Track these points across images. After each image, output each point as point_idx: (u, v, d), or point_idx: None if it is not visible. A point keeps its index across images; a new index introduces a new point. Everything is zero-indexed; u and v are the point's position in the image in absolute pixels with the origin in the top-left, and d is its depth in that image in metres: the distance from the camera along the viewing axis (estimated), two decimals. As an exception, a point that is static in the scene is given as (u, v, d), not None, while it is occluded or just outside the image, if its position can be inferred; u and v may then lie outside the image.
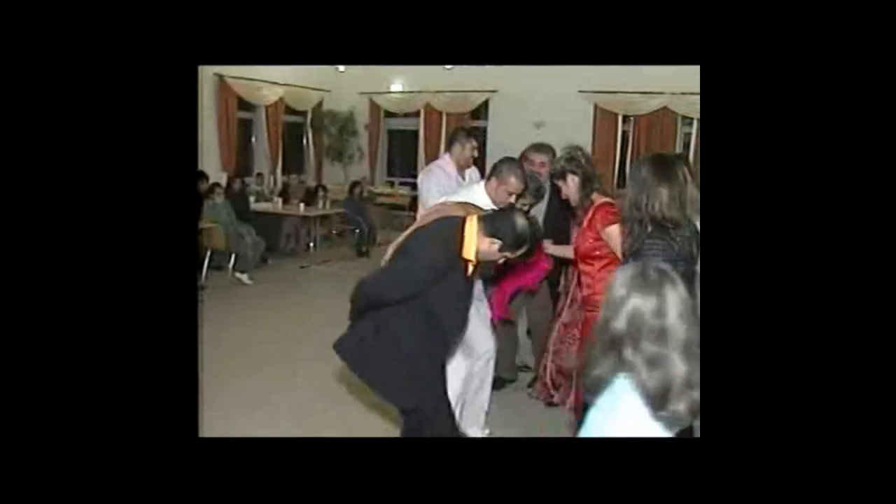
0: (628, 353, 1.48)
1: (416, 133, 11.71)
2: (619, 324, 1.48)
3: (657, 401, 1.49)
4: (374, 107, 11.84)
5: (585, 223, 3.12)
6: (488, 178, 3.41)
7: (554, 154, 4.04)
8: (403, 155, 12.32)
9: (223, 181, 8.68)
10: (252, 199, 9.20)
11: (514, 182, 3.30)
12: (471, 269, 2.56)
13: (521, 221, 2.53)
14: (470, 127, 5.65)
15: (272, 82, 10.28)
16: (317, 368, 4.56)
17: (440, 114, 11.41)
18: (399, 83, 11.60)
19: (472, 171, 4.28)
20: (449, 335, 2.63)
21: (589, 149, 9.31)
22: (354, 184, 10.08)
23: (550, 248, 3.58)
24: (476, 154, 4.26)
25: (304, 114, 11.56)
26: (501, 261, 2.61)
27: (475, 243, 2.49)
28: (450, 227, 2.55)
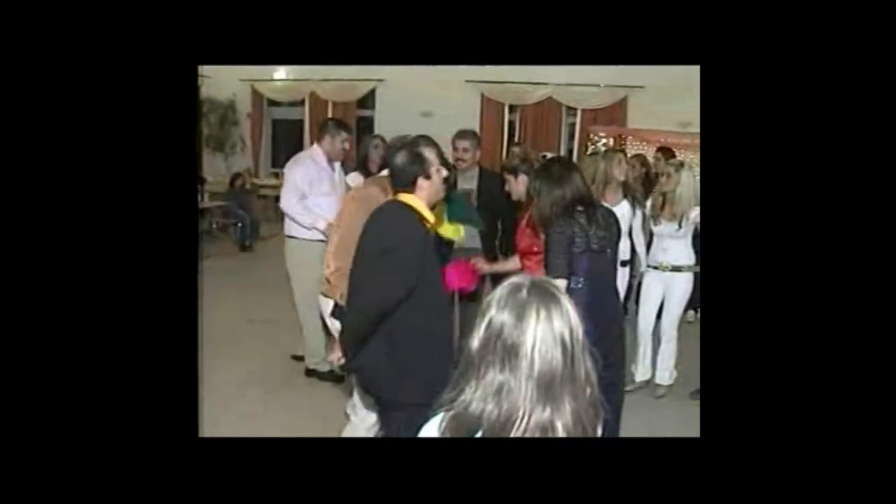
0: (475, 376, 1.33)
1: (301, 122, 11.35)
2: (474, 341, 1.31)
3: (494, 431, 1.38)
4: (257, 94, 11.39)
5: (525, 221, 3.29)
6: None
7: (478, 141, 4.15)
8: (288, 145, 11.76)
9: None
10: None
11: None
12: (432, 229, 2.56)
13: (405, 141, 2.57)
14: (341, 119, 5.53)
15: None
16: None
17: (326, 102, 11.12)
18: (283, 70, 11.21)
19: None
20: (446, 324, 2.58)
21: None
22: (236, 175, 9.68)
23: (486, 268, 3.63)
24: (348, 146, 4.27)
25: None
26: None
27: (425, 203, 2.49)
28: (396, 207, 2.51)
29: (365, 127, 10.72)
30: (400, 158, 2.50)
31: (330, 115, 10.87)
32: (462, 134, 4.14)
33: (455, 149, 4.05)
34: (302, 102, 11.29)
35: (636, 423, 3.68)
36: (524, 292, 1.27)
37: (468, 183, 3.97)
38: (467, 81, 10.22)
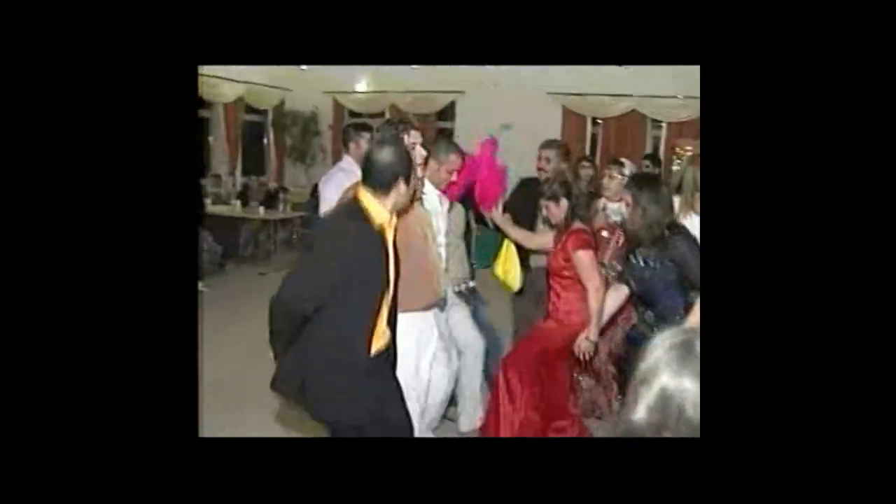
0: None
1: (381, 134, 11.44)
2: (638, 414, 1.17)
3: None
4: (338, 106, 11.51)
5: (560, 244, 3.32)
6: (425, 163, 3.28)
7: (565, 151, 4.17)
8: (368, 156, 11.98)
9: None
10: (208, 201, 8.74)
11: (454, 160, 3.28)
12: (390, 232, 2.34)
13: (391, 142, 2.40)
14: (362, 121, 5.43)
15: (231, 79, 9.88)
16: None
17: (406, 115, 11.14)
18: (364, 83, 11.30)
19: None
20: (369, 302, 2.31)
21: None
22: (317, 186, 9.76)
23: (499, 217, 3.71)
24: None
25: (264, 113, 11.17)
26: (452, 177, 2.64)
27: (380, 204, 2.28)
28: (345, 204, 2.39)
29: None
30: (386, 155, 2.27)
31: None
32: (546, 143, 4.16)
33: (538, 158, 4.09)
34: (382, 114, 11.35)
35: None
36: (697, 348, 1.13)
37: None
38: (548, 94, 10.03)
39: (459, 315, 3.49)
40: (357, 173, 4.10)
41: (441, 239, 3.30)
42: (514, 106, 10.16)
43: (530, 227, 3.89)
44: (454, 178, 3.42)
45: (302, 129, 11.30)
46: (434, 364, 2.99)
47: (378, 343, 2.34)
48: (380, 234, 2.26)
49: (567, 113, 10.26)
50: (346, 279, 2.17)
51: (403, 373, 2.64)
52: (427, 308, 2.90)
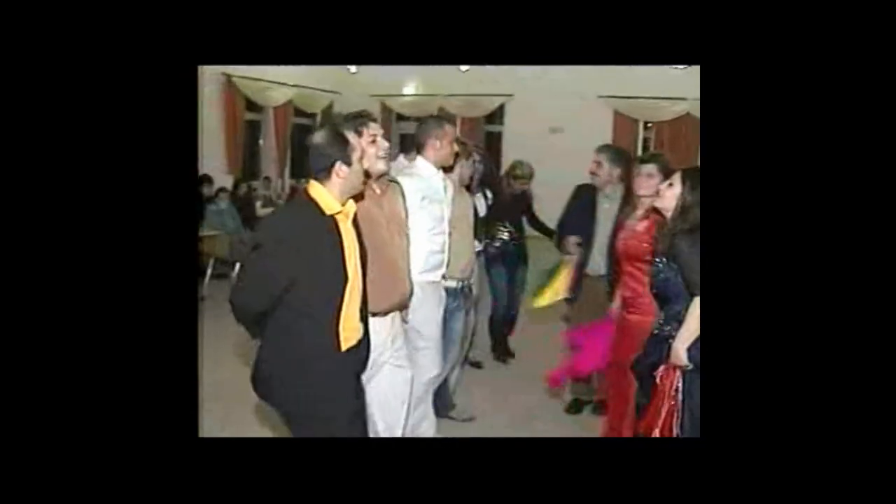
0: None
1: (428, 137, 11.39)
2: None
3: None
4: (386, 110, 11.53)
5: (643, 227, 3.10)
6: (423, 147, 3.17)
7: (621, 155, 4.00)
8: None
9: (229, 185, 8.35)
10: (259, 203, 8.80)
11: (449, 129, 3.19)
12: (345, 222, 2.21)
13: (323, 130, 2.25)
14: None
15: (281, 83, 9.97)
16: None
17: (454, 118, 11.07)
18: (412, 86, 11.28)
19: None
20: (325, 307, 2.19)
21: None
22: None
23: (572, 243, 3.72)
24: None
25: (313, 116, 11.24)
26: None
27: (338, 194, 2.17)
28: (293, 202, 2.34)
29: (493, 143, 10.58)
30: (318, 138, 2.17)
31: (458, 131, 10.81)
32: (600, 148, 4.06)
33: (593, 162, 3.98)
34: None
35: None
36: None
37: (609, 201, 3.79)
38: (599, 97, 9.85)
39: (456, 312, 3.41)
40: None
41: (444, 227, 3.17)
42: (564, 109, 10.02)
43: (588, 234, 3.77)
44: (457, 147, 3.32)
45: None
46: (381, 376, 2.74)
47: (349, 338, 2.22)
48: (333, 225, 2.16)
49: (618, 116, 10.06)
50: (302, 274, 2.08)
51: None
52: (387, 312, 2.66)
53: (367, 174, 2.43)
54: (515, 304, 4.89)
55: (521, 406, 4.17)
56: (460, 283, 3.51)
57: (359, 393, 2.34)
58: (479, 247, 4.46)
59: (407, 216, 2.85)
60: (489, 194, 4.54)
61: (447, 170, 3.44)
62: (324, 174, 2.14)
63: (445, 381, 3.73)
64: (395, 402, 2.83)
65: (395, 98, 11.45)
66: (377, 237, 2.52)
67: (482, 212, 4.41)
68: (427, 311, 3.13)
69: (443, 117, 3.40)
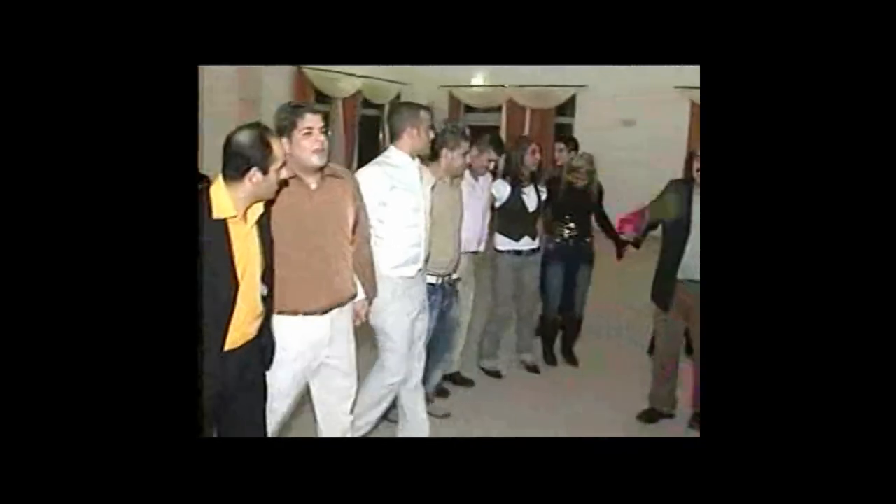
0: None
1: (496, 129, 11.20)
2: None
3: None
4: (454, 101, 11.38)
5: None
6: (398, 135, 3.03)
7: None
8: (482, 151, 11.78)
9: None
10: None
11: (425, 116, 3.06)
12: (241, 226, 2.10)
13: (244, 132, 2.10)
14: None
15: (350, 74, 9.96)
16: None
17: (524, 109, 10.86)
18: (481, 76, 11.11)
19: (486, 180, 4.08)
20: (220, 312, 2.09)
21: (685, 150, 8.67)
22: None
23: None
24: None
25: (380, 107, 11.21)
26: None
27: (227, 195, 2.06)
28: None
29: (564, 135, 10.33)
30: (242, 137, 2.06)
31: (527, 123, 10.60)
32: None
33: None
34: (499, 109, 11.12)
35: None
36: None
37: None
38: (675, 87, 9.45)
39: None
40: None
41: (420, 219, 3.01)
42: (638, 101, 9.67)
43: (681, 235, 3.49)
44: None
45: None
46: (319, 378, 2.63)
47: (234, 339, 2.13)
48: (222, 229, 2.05)
49: (696, 108, 9.63)
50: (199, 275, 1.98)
51: (277, 378, 2.40)
52: (324, 312, 2.51)
53: (302, 168, 2.36)
54: (578, 307, 4.63)
55: (569, 412, 3.99)
56: (440, 279, 3.35)
57: (245, 388, 2.23)
58: (533, 244, 4.34)
59: (359, 210, 2.67)
60: (541, 188, 4.37)
61: (433, 159, 3.34)
62: (235, 176, 2.04)
63: (429, 374, 3.56)
64: (336, 407, 2.68)
65: (464, 89, 11.31)
66: (304, 234, 2.40)
67: (532, 207, 4.29)
68: (395, 311, 2.98)
69: (418, 104, 3.16)
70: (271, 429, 2.44)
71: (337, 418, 2.69)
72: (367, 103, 10.73)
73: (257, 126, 2.12)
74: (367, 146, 10.96)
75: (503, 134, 10.54)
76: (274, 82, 8.35)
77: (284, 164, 2.12)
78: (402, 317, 3.00)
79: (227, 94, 7.25)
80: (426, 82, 10.85)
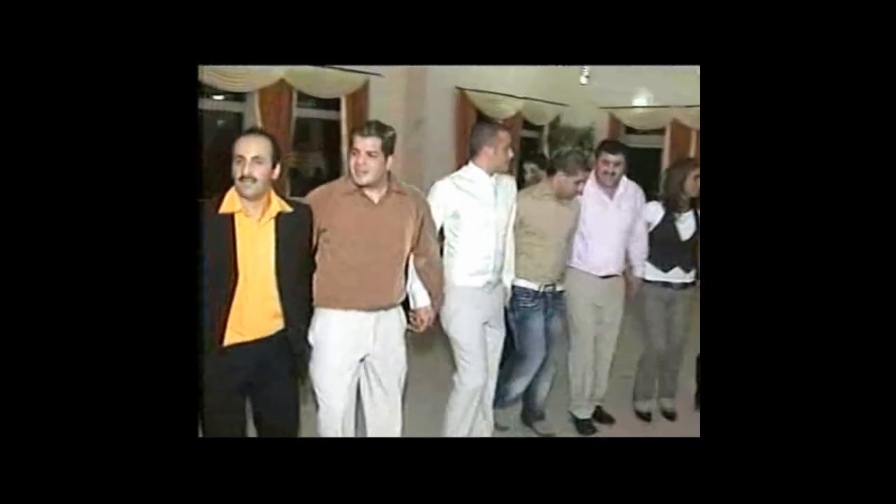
0: None
1: (658, 151, 10.82)
2: None
3: None
4: (614, 122, 11.13)
5: None
6: (477, 153, 3.17)
7: None
8: (641, 174, 11.40)
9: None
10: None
11: (503, 135, 3.18)
12: (245, 222, 2.28)
13: None
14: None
15: (511, 95, 10.05)
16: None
17: (689, 130, 10.42)
18: (643, 97, 10.81)
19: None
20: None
21: None
22: None
23: None
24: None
25: (540, 128, 11.20)
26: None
27: (236, 195, 2.29)
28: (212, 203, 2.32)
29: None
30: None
31: (693, 145, 10.16)
32: None
33: None
34: (662, 131, 10.75)
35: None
36: None
37: None
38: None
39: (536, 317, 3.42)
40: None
41: (489, 233, 3.14)
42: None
43: None
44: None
45: (575, 145, 11.14)
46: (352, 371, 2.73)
47: (231, 336, 2.28)
48: (228, 223, 2.24)
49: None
50: (203, 265, 2.16)
51: (325, 367, 2.60)
52: (367, 310, 2.68)
53: (356, 184, 2.57)
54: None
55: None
56: (541, 287, 3.46)
57: (265, 384, 2.40)
58: (686, 277, 3.91)
59: (423, 225, 2.84)
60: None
61: (549, 175, 3.53)
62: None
63: (533, 389, 3.64)
64: (381, 404, 2.82)
65: (625, 110, 11.05)
66: (359, 242, 2.62)
67: (686, 235, 3.87)
68: (463, 319, 3.12)
69: (498, 124, 3.33)
70: (331, 427, 2.65)
71: (381, 414, 2.85)
72: (526, 124, 10.77)
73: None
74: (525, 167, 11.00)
75: (666, 157, 10.18)
76: (440, 103, 8.59)
77: (275, 166, 2.31)
78: (471, 324, 3.13)
79: (394, 114, 7.55)
80: (586, 104, 10.66)
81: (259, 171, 2.26)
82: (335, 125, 7.38)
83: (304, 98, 6.95)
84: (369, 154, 2.56)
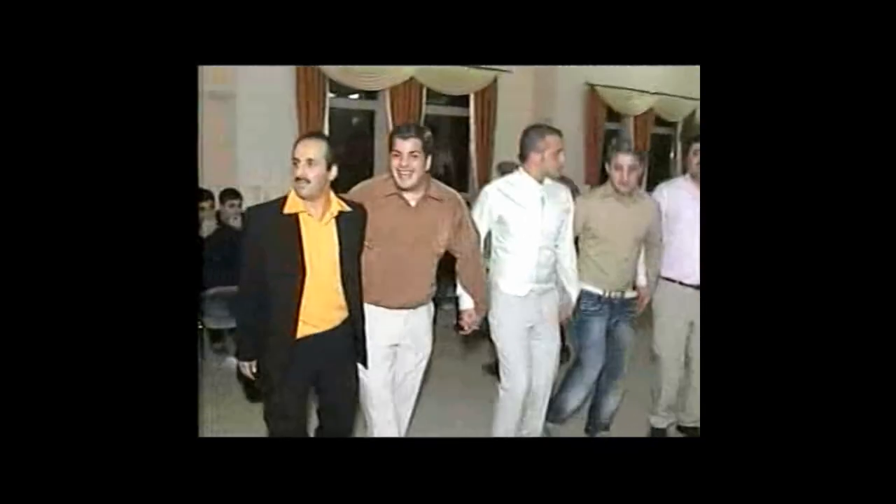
0: None
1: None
2: None
3: None
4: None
5: None
6: (526, 158, 3.07)
7: None
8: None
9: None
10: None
11: (552, 140, 3.03)
12: (310, 222, 2.43)
13: None
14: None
15: (643, 91, 9.65)
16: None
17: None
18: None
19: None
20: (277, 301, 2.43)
21: None
22: None
23: None
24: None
25: (673, 125, 10.67)
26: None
27: (296, 196, 2.43)
28: (266, 202, 2.53)
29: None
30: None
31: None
32: None
33: None
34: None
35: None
36: None
37: None
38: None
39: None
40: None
41: (533, 240, 3.06)
42: None
43: None
44: (561, 157, 3.08)
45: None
46: (382, 362, 2.81)
47: (303, 328, 2.44)
48: (293, 222, 2.39)
49: None
50: (269, 265, 2.37)
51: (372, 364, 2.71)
52: (399, 308, 2.79)
53: (397, 186, 2.63)
54: None
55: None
56: (606, 292, 3.29)
57: (338, 365, 2.57)
58: None
59: (461, 230, 2.84)
60: None
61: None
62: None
63: (598, 401, 3.48)
64: (407, 379, 2.92)
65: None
66: (394, 243, 2.67)
67: None
68: (505, 325, 3.11)
69: (550, 128, 3.13)
70: (378, 394, 2.76)
71: (406, 389, 2.95)
72: (659, 121, 10.29)
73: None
74: (657, 166, 10.52)
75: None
76: (569, 100, 8.42)
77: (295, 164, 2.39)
78: (513, 331, 3.10)
79: (522, 112, 7.47)
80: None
81: (313, 173, 2.37)
82: (464, 122, 7.40)
83: (434, 95, 7.03)
84: (412, 154, 2.59)
